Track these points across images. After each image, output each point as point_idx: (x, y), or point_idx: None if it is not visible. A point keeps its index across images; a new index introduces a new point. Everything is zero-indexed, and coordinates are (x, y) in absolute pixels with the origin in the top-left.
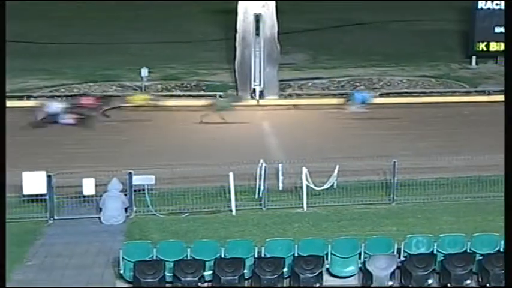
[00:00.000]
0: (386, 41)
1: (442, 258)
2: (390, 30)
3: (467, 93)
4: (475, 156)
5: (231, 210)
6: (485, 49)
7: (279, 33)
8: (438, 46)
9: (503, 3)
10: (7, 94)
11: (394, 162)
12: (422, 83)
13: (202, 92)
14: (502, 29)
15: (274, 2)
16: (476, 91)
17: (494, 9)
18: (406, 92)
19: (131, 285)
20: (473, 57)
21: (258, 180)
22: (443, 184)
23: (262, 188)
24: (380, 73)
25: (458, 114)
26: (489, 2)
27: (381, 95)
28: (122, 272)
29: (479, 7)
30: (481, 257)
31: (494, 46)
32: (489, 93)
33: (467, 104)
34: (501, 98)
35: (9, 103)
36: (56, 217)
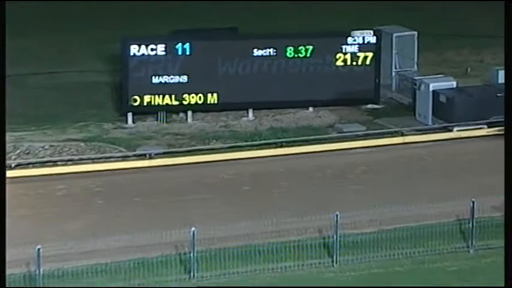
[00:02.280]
0: (25, 100)
1: None
2: (29, 86)
3: (125, 157)
4: (139, 235)
5: None
6: (142, 104)
7: None
8: (87, 103)
9: (159, 48)
10: None
11: (39, 249)
12: (70, 148)
13: None
14: (161, 79)
15: None
16: (134, 155)
17: (149, 56)
18: (50, 161)
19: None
20: (129, 115)
21: None
22: (101, 271)
23: None
24: (16, 139)
25: (115, 184)
26: (143, 48)
27: (17, 167)
28: None
29: (132, 53)
30: None
31: (152, 100)
32: (150, 157)
33: (126, 170)
34: (170, 161)
35: None
36: None
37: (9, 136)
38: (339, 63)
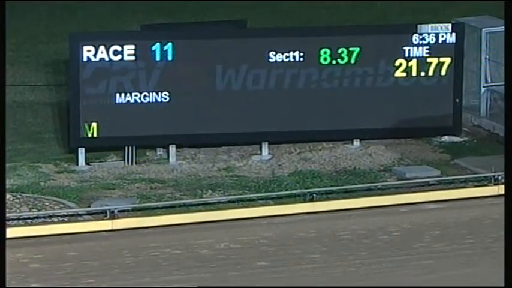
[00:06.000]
0: None
1: None
2: None
3: (74, 216)
4: None
5: None
6: (100, 135)
7: None
8: (17, 133)
9: (127, 50)
10: None
11: None
12: None
13: None
14: (129, 98)
15: None
16: (88, 213)
17: (112, 62)
18: None
19: None
20: (81, 151)
21: None
22: None
23: None
24: None
25: (57, 257)
26: (102, 49)
27: None
28: None
29: (85, 58)
30: None
31: (115, 128)
32: (113, 216)
33: (75, 236)
34: None
35: None
36: None
37: None
38: (400, 73)
